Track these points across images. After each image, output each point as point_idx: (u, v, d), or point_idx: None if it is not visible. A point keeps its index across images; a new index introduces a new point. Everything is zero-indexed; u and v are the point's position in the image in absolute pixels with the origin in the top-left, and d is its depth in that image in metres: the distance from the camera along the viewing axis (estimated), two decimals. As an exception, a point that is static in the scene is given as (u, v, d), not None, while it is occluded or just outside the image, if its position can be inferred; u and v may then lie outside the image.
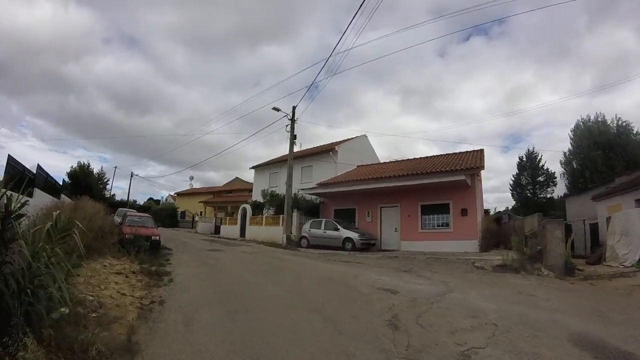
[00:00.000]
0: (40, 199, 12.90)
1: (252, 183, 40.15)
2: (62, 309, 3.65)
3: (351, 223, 19.72)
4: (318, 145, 30.75)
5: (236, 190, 41.74)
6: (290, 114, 21.12)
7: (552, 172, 34.17)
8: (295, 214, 20.16)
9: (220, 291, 7.44)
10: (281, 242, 19.60)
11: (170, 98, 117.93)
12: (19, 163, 12.42)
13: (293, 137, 20.81)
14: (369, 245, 17.97)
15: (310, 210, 21.78)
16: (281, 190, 24.69)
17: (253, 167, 31.39)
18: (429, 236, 17.82)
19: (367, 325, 5.04)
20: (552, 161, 76.05)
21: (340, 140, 28.26)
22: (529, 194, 34.68)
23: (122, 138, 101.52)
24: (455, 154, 21.66)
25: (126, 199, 55.49)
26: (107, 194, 49.65)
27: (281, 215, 21.24)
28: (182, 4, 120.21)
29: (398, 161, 24.59)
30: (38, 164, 14.34)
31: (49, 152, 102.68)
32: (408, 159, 24.07)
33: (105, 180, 47.40)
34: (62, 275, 3.95)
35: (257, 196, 27.83)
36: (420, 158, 23.24)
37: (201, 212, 41.32)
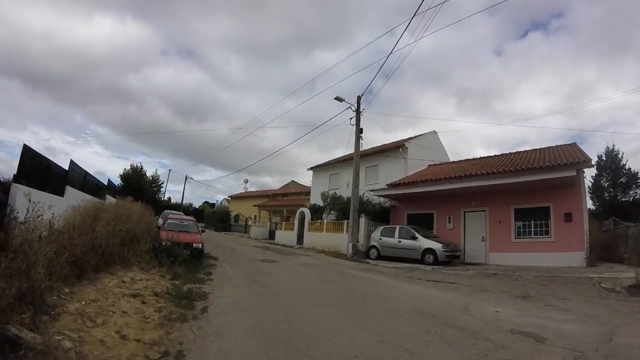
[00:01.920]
0: (75, 198, 11.18)
1: (308, 186, 38.02)
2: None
3: (429, 230, 16.52)
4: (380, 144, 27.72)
5: (292, 194, 39.70)
6: (355, 105, 18.35)
7: (635, 172, 29.91)
8: (362, 220, 17.28)
9: (271, 337, 4.74)
10: (345, 252, 16.83)
11: (226, 105, 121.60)
12: (43, 157, 10.66)
13: (359, 131, 17.98)
14: (453, 257, 14.70)
15: (379, 216, 18.80)
16: (343, 192, 22.00)
17: (311, 168, 29.03)
18: (525, 247, 14.73)
19: None
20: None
21: (409, 137, 25.03)
22: (607, 197, 30.37)
23: (180, 144, 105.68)
24: (543, 149, 18.12)
25: (181, 202, 56.01)
26: (162, 197, 50.12)
27: (345, 221, 18.48)
28: (235, 14, 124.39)
29: (476, 159, 20.89)
30: (71, 160, 12.72)
31: (111, 158, 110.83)
32: (489, 156, 20.40)
33: (160, 183, 47.54)
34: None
35: (315, 199, 25.39)
36: (502, 155, 19.58)
37: (255, 216, 39.69)
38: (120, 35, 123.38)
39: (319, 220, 22.12)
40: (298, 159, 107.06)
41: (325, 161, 28.78)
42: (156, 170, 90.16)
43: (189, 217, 16.01)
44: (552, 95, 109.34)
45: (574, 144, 17.42)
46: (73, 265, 6.18)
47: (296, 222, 23.94)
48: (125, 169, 42.11)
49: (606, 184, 30.74)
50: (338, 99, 17.81)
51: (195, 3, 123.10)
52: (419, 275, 11.36)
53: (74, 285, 6.02)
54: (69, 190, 11.81)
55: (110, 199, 18.55)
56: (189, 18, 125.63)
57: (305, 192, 36.50)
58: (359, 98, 18.48)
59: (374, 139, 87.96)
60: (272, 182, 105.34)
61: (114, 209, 12.02)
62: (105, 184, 21.55)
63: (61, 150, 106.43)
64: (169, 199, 62.09)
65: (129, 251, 9.61)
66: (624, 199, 29.99)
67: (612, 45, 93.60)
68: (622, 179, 30.33)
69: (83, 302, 5.43)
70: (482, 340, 4.75)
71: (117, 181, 37.92)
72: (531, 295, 8.28)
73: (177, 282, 8.17)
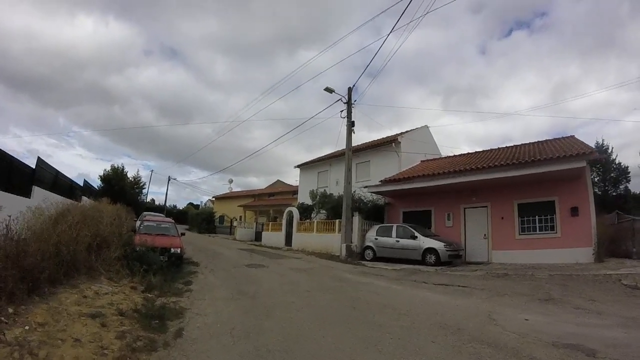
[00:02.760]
0: (44, 199, 9.99)
1: (295, 186, 36.81)
2: None
3: (428, 229, 15.56)
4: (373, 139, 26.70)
5: (279, 193, 38.44)
6: (346, 97, 17.30)
7: (625, 166, 30.33)
8: (356, 219, 16.20)
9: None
10: (338, 254, 15.76)
11: (211, 105, 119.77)
12: (5, 153, 9.47)
13: (351, 124, 16.93)
14: (455, 257, 13.80)
15: (372, 214, 17.75)
16: (332, 190, 20.94)
17: (298, 166, 27.81)
18: (529, 244, 13.97)
19: None
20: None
21: (401, 132, 24.09)
22: (598, 192, 29.87)
23: (165, 145, 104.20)
24: (541, 142, 17.48)
25: (164, 204, 54.29)
26: (144, 199, 48.50)
27: (337, 220, 17.38)
28: (219, 14, 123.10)
29: (472, 153, 20.06)
30: (39, 157, 11.44)
31: (95, 160, 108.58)
32: (485, 150, 19.60)
33: (142, 184, 46.00)
34: None
35: (303, 198, 24.24)
36: (499, 149, 18.82)
37: (240, 217, 38.34)
38: (103, 35, 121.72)
39: (308, 220, 21.00)
40: (284, 159, 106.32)
41: (313, 158, 27.64)
42: (138, 170, 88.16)
43: (167, 219, 14.74)
44: (537, 93, 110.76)
45: (572, 136, 16.83)
46: (22, 279, 5.04)
47: (284, 222, 22.71)
48: (105, 169, 40.65)
49: (597, 179, 30.55)
50: (328, 89, 16.74)
51: (179, 3, 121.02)
52: (423, 278, 10.40)
53: (22, 303, 4.88)
54: (37, 190, 10.61)
55: (86, 200, 17.20)
56: (173, 18, 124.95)
57: (293, 191, 35.37)
58: (349, 90, 17.44)
59: (359, 137, 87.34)
60: (258, 183, 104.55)
61: (83, 211, 10.79)
62: (82, 184, 20.13)
63: (44, 152, 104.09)
64: (153, 200, 60.46)
65: (96, 259, 8.42)
66: (614, 193, 30.22)
67: (595, 43, 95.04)
68: (612, 174, 30.58)
69: (27, 327, 4.28)
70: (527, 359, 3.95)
71: (98, 183, 36.45)
72: (554, 297, 7.62)
73: (150, 295, 7.00)
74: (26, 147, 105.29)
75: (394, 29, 13.21)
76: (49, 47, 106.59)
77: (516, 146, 18.18)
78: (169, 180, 49.47)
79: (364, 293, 7.92)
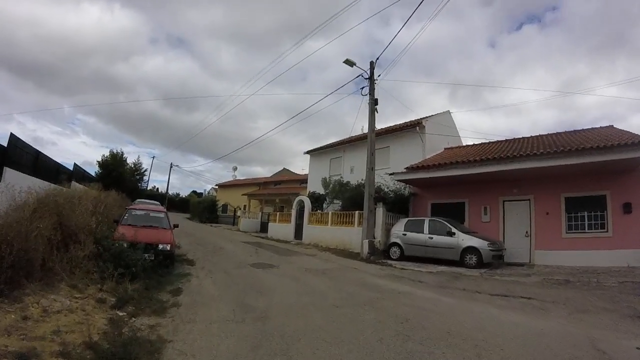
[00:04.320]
0: (20, 183, 8.26)
1: (302, 175, 34.89)
2: None
3: (461, 223, 13.59)
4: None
5: (285, 182, 36.48)
6: (368, 71, 15.24)
7: None
8: (380, 211, 14.19)
9: None
10: (358, 251, 13.81)
11: (217, 94, 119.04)
12: None
13: (374, 102, 14.88)
14: (498, 258, 11.84)
15: (396, 206, 15.73)
16: (346, 178, 18.91)
17: (308, 152, 25.77)
18: (577, 244, 12.20)
19: None
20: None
21: (424, 116, 21.91)
22: None
23: (169, 132, 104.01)
24: (578, 130, 15.27)
25: (166, 191, 52.80)
26: (145, 186, 46.91)
27: (356, 212, 15.40)
28: (226, 2, 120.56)
29: (502, 142, 17.86)
30: (11, 133, 9.53)
31: (100, 148, 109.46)
32: (516, 138, 17.34)
33: (143, 171, 44.22)
34: None
35: (314, 187, 22.32)
36: (532, 137, 16.59)
37: (245, 206, 36.47)
38: (109, 23, 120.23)
39: (320, 211, 19.06)
40: (289, 149, 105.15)
41: (325, 144, 25.57)
42: (138, 157, 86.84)
43: (159, 207, 12.76)
44: (545, 89, 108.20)
45: (611, 126, 14.90)
46: None
47: (293, 212, 20.69)
48: (103, 155, 38.76)
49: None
50: (349, 62, 14.65)
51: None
52: (472, 286, 8.50)
53: None
54: (10, 173, 8.77)
55: (77, 186, 15.37)
56: (179, 6, 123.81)
57: (300, 180, 33.50)
58: (371, 64, 15.35)
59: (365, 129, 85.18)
60: (263, 172, 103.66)
61: (51, 197, 8.97)
62: (71, 168, 18.26)
63: (49, 140, 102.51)
64: (157, 188, 58.80)
65: (61, 258, 6.57)
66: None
67: (606, 40, 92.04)
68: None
69: None
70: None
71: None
72: (644, 312, 6.12)
73: (120, 314, 5.12)
74: (30, 135, 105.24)
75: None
76: (53, 35, 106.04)
77: (550, 135, 15.99)
78: (170, 167, 48.27)
79: (410, 309, 5.98)
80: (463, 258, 11.54)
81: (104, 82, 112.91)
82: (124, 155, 38.72)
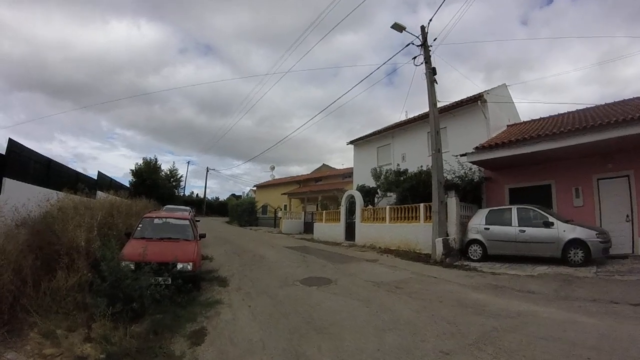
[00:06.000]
0: (22, 195, 7.26)
1: (343, 169, 33.04)
2: None
3: (549, 209, 11.29)
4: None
5: (326, 177, 34.69)
6: (421, 38, 13.12)
7: None
8: (453, 201, 11.99)
9: None
10: (427, 252, 11.78)
11: (249, 97, 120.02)
12: None
13: (431, 71, 12.77)
14: (607, 251, 9.51)
15: (468, 194, 13.51)
16: (400, 167, 16.81)
17: (351, 142, 23.81)
18: None
19: None
20: None
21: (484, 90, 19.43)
22: None
23: (205, 139, 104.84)
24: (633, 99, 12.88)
25: (204, 196, 52.75)
26: (182, 193, 46.95)
27: (421, 204, 13.26)
28: (250, 5, 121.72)
29: (565, 114, 15.16)
30: (10, 139, 8.20)
31: (138, 159, 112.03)
32: (580, 109, 14.61)
33: (179, 177, 44.06)
34: None
35: (361, 179, 20.37)
36: (597, 105, 14.07)
37: (285, 206, 35.01)
38: (137, 38, 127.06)
39: (371, 207, 17.08)
40: (325, 146, 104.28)
41: (369, 132, 23.54)
42: (173, 163, 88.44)
43: (183, 214, 10.81)
44: (583, 63, 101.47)
45: None
46: None
47: (342, 209, 18.72)
48: (137, 163, 38.75)
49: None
50: (397, 26, 12.56)
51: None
52: (598, 294, 6.47)
53: None
54: (10, 183, 7.49)
55: (102, 195, 14.20)
56: (204, 13, 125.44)
57: (342, 174, 31.68)
58: (423, 28, 13.19)
59: (398, 118, 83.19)
60: (302, 171, 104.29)
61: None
62: (96, 177, 17.18)
63: (89, 156, 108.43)
64: (196, 194, 58.95)
65: (36, 292, 5.10)
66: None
67: None
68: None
69: None
70: None
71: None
72: None
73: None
74: (72, 152, 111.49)
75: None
76: (85, 55, 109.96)
77: (615, 102, 13.35)
78: (207, 171, 48.60)
79: (555, 347, 3.98)
80: (565, 255, 9.32)
81: (138, 95, 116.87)
82: (157, 162, 38.45)
